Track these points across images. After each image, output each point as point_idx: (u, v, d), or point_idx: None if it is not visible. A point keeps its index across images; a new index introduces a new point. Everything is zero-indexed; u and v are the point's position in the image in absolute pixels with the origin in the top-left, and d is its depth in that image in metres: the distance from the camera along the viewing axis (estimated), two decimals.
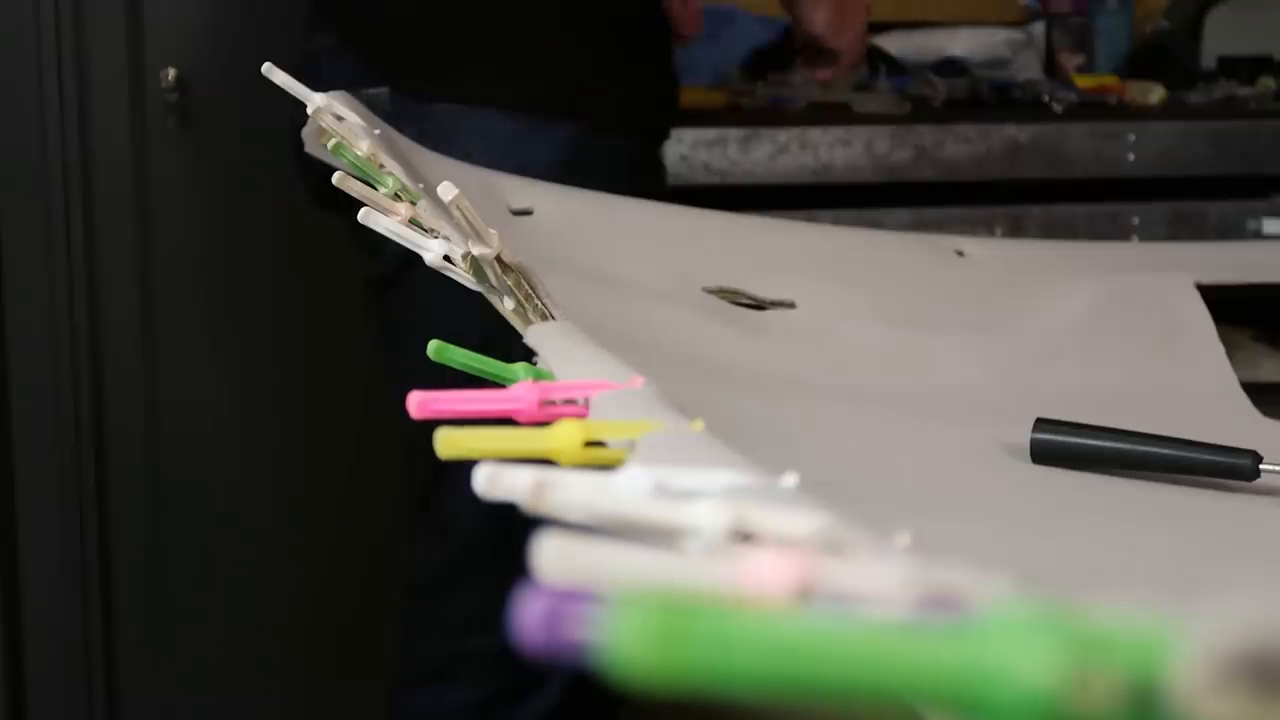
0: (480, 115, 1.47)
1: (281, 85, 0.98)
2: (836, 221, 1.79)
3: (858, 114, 2.02)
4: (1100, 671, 0.24)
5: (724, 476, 0.43)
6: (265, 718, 2.16)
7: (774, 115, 1.98)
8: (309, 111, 0.97)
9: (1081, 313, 1.09)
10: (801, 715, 0.38)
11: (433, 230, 0.83)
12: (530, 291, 0.82)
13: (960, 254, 1.19)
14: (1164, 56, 2.36)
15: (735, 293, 1.05)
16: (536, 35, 1.49)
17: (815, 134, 1.90)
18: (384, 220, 0.83)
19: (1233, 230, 2.02)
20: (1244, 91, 2.25)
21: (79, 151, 1.99)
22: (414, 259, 0.83)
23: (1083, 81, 2.24)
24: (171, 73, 2.01)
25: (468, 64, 1.48)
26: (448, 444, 0.51)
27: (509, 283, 0.81)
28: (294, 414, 2.11)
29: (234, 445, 2.09)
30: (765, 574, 0.30)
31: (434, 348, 0.70)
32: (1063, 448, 0.83)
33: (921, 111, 2.07)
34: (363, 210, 0.82)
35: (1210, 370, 1.04)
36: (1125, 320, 1.09)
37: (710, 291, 1.04)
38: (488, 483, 0.41)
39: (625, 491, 0.39)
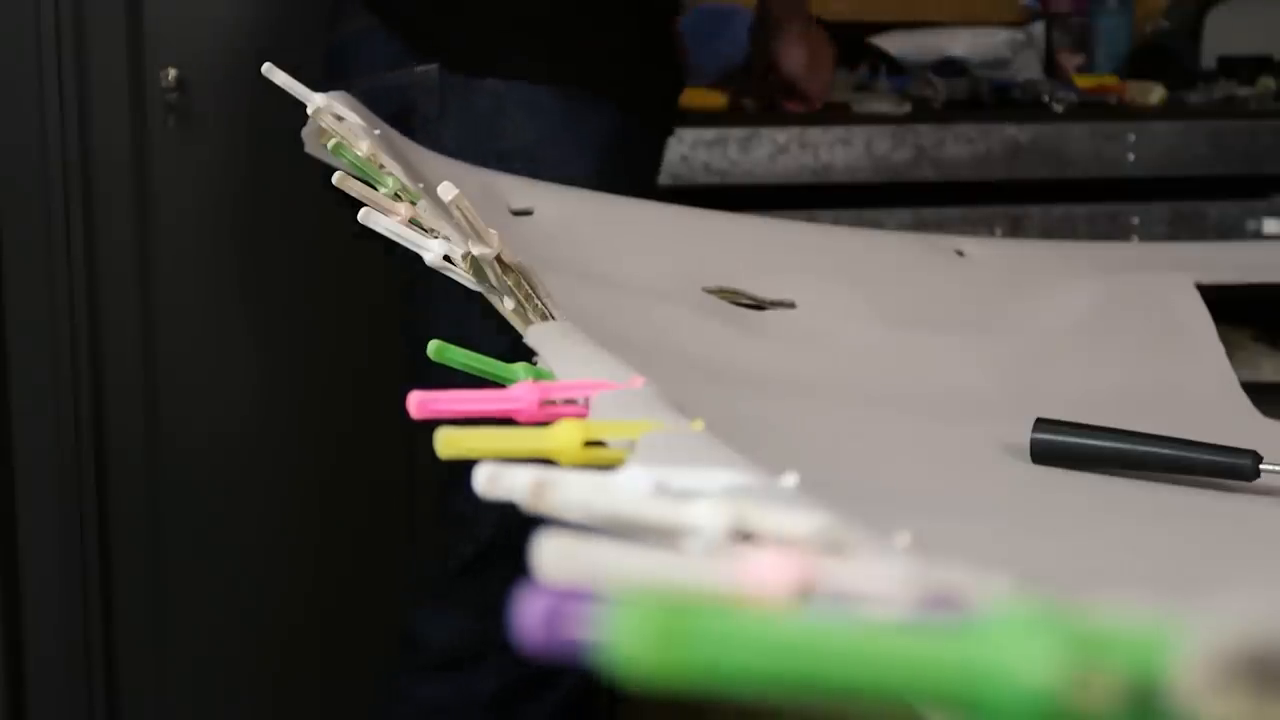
0: (529, 90, 1.48)
1: (281, 85, 0.98)
2: (836, 221, 1.79)
3: (858, 114, 2.03)
4: (1100, 671, 0.24)
5: (724, 476, 0.43)
6: (265, 718, 2.16)
7: (774, 115, 1.98)
8: (309, 111, 0.97)
9: (1081, 313, 1.09)
10: (802, 715, 0.38)
11: (433, 230, 0.83)
12: (530, 291, 0.82)
13: (960, 254, 1.19)
14: (1164, 56, 2.36)
15: (735, 293, 1.05)
16: (582, 14, 1.50)
17: (815, 134, 1.90)
18: (384, 220, 0.83)
19: (1233, 230, 2.02)
20: (1244, 91, 2.25)
21: (79, 151, 1.99)
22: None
23: (1083, 81, 2.24)
24: (171, 73, 2.01)
25: (516, 41, 1.50)
26: (448, 444, 0.51)
27: (509, 283, 0.81)
28: (294, 414, 2.11)
29: (234, 445, 2.09)
30: (765, 574, 0.30)
31: (434, 348, 0.70)
32: (1063, 448, 0.83)
33: (921, 111, 2.07)
34: (363, 210, 0.82)
35: (1210, 370, 1.04)
36: (1125, 320, 1.09)
37: (710, 291, 1.04)
38: (488, 482, 0.41)
39: (625, 491, 0.39)
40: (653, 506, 0.37)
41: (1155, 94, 2.19)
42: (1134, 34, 2.43)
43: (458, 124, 1.48)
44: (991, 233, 1.91)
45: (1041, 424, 0.84)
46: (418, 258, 0.82)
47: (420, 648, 1.63)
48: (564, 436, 0.54)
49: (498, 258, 0.81)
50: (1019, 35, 2.38)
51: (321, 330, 2.10)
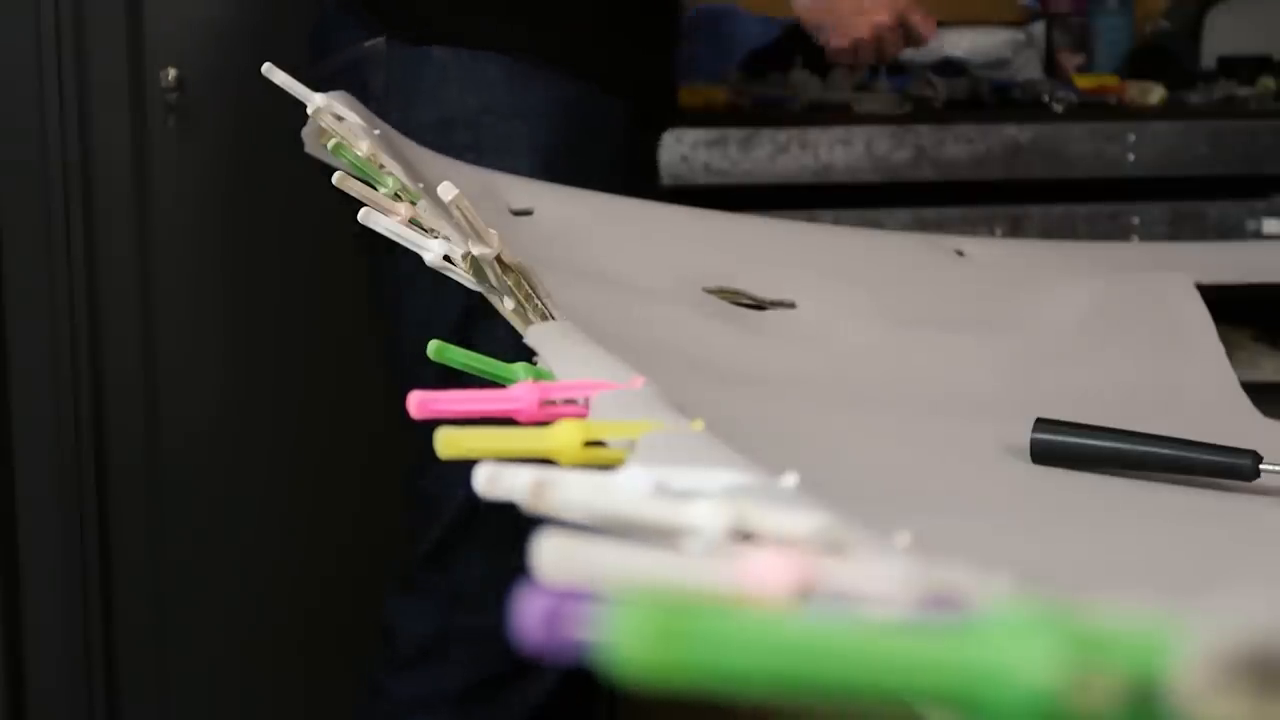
0: (476, 57, 1.46)
1: (281, 85, 0.98)
2: (836, 221, 1.79)
3: (858, 114, 2.02)
4: (1100, 671, 0.24)
5: (724, 476, 0.43)
6: (264, 717, 2.16)
7: (774, 115, 1.98)
8: (309, 111, 0.97)
9: (1082, 313, 1.09)
10: (803, 715, 0.38)
11: (433, 230, 0.83)
12: (530, 291, 0.82)
13: (960, 254, 1.19)
14: (1164, 56, 2.36)
15: (735, 293, 1.05)
16: None
17: (815, 134, 1.90)
18: (384, 220, 0.83)
19: (1233, 230, 2.02)
20: (1244, 91, 2.24)
21: (79, 151, 1.99)
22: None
23: (1083, 81, 2.24)
24: (171, 73, 2.01)
25: (460, 9, 1.47)
26: (448, 444, 0.51)
27: (509, 283, 0.81)
28: (294, 413, 2.11)
29: (234, 445, 2.09)
30: (765, 574, 0.30)
31: (434, 348, 0.70)
32: (1063, 448, 0.83)
33: (921, 111, 2.07)
34: (363, 210, 0.83)
35: (1210, 370, 1.04)
36: (1125, 320, 1.09)
37: (710, 291, 1.04)
38: (488, 483, 0.41)
39: (625, 491, 0.39)
40: (653, 506, 0.37)
41: (1155, 94, 2.19)
42: (1134, 34, 2.43)
43: (404, 96, 1.45)
44: (991, 233, 1.91)
45: (1041, 424, 0.84)
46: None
47: (393, 641, 1.61)
48: (564, 436, 0.54)
49: (498, 258, 0.81)
50: (1019, 35, 2.38)
51: (321, 330, 2.10)
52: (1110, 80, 2.25)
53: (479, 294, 0.82)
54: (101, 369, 2.02)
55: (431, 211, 0.83)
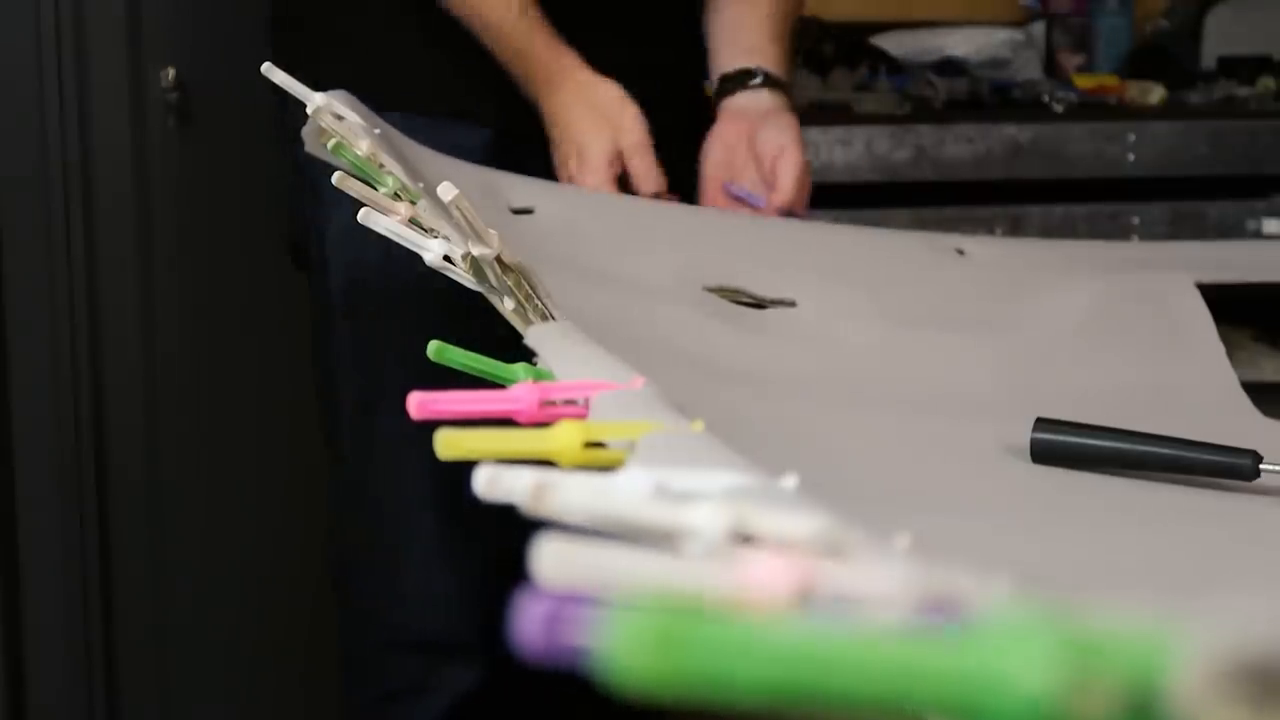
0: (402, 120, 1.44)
1: (281, 85, 0.98)
2: (836, 221, 1.79)
3: (858, 114, 2.03)
4: (1099, 677, 0.24)
5: (724, 478, 0.43)
6: (265, 717, 2.16)
7: None
8: (309, 111, 0.97)
9: (1082, 312, 1.09)
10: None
11: (433, 230, 0.83)
12: (530, 291, 0.82)
13: (960, 253, 1.19)
14: (1164, 56, 2.36)
15: (735, 292, 1.05)
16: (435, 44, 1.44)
17: (815, 134, 1.90)
18: (384, 220, 0.83)
19: (1233, 230, 2.02)
20: (1244, 91, 2.25)
21: (79, 151, 1.99)
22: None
23: (1083, 81, 2.24)
24: (171, 73, 2.01)
25: (388, 79, 1.45)
26: (448, 445, 0.51)
27: (509, 283, 0.81)
28: (294, 413, 2.11)
29: (234, 445, 2.09)
30: (765, 577, 0.30)
31: (434, 348, 0.70)
32: (1063, 448, 0.83)
33: (921, 111, 2.07)
34: (363, 210, 0.82)
35: (1210, 370, 1.04)
36: (1125, 320, 1.09)
37: (710, 290, 1.04)
38: (488, 484, 0.41)
39: (625, 493, 0.39)
40: (652, 509, 0.37)
41: (1155, 94, 2.19)
42: (1134, 34, 2.43)
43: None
44: (991, 233, 1.91)
45: (1041, 424, 0.84)
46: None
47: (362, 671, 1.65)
48: (564, 438, 0.54)
49: (498, 258, 0.81)
50: (1019, 35, 2.38)
51: None
52: (1110, 80, 2.26)
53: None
54: (101, 369, 2.02)
55: (431, 211, 0.83)
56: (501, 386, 0.64)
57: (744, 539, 0.35)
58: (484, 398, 0.61)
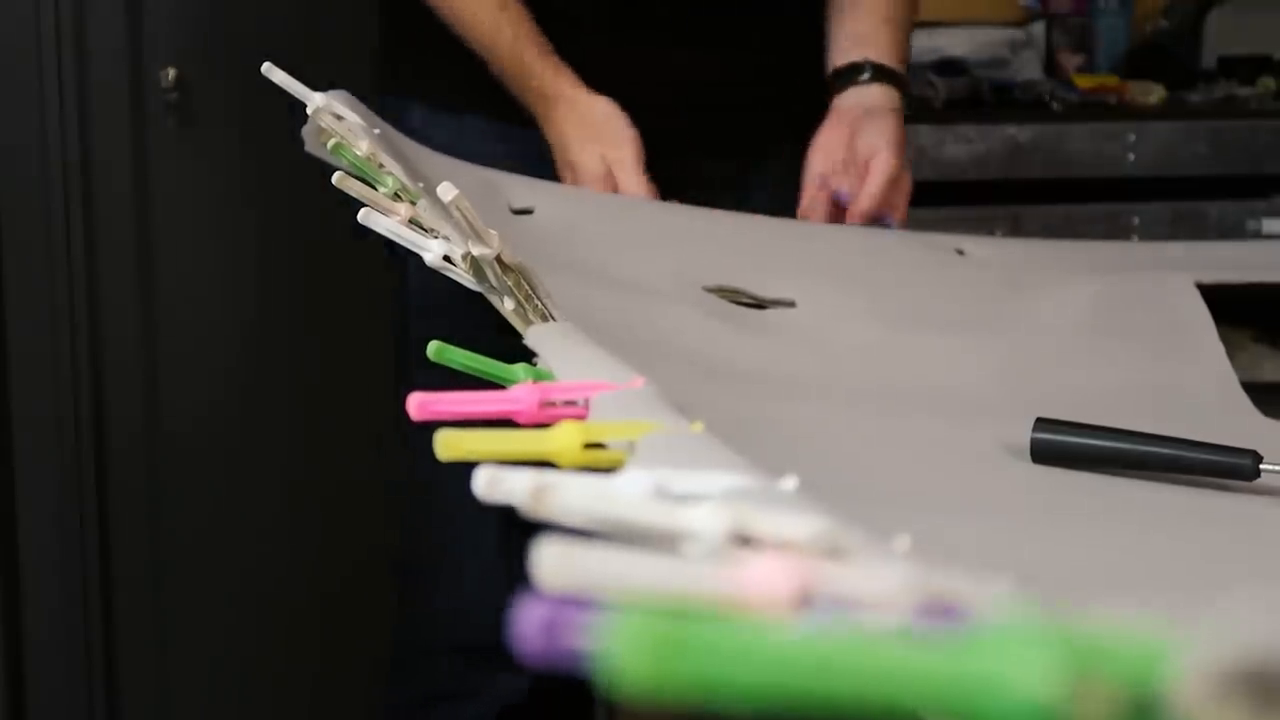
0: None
1: (281, 85, 0.98)
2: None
3: None
4: (1099, 682, 0.24)
5: (724, 479, 0.43)
6: (265, 717, 2.16)
7: None
8: (309, 111, 0.97)
9: (1082, 312, 1.09)
10: None
11: (433, 230, 0.83)
12: (530, 292, 0.82)
13: (960, 253, 1.19)
14: (1164, 56, 2.36)
15: (735, 292, 1.05)
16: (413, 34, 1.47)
17: None
18: (384, 220, 0.83)
19: (1233, 230, 2.02)
20: (1244, 91, 2.25)
21: (79, 151, 1.99)
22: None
23: (1083, 81, 2.24)
24: (171, 73, 2.01)
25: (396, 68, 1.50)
26: (447, 445, 0.51)
27: (509, 283, 0.81)
28: (294, 413, 2.11)
29: (234, 445, 2.09)
30: (765, 578, 0.30)
31: (434, 349, 0.70)
32: (1063, 448, 0.83)
33: (921, 111, 2.07)
34: (362, 210, 0.82)
35: (1210, 370, 1.04)
36: (1125, 320, 1.09)
37: (710, 291, 1.04)
38: (488, 485, 0.41)
39: (625, 494, 0.39)
40: (652, 510, 0.37)
41: (1155, 94, 2.19)
42: (1134, 34, 2.43)
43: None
44: (991, 233, 1.91)
45: (1041, 424, 0.84)
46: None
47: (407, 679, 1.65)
48: (564, 438, 0.54)
49: (498, 258, 0.81)
50: (1019, 35, 2.38)
51: (320, 329, 2.10)
52: (1110, 80, 2.26)
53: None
54: (101, 369, 2.02)
55: (431, 211, 0.83)
56: (502, 387, 0.64)
57: (744, 540, 0.35)
58: (484, 398, 0.61)
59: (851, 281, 1.10)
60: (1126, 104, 2.18)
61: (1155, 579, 0.64)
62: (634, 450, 0.53)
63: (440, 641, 1.55)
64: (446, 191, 0.78)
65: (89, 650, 2.06)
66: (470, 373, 0.69)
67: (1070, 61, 2.39)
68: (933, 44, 2.32)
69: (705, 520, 0.35)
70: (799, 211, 1.32)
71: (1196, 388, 1.03)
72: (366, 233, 0.83)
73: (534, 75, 1.35)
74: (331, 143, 0.92)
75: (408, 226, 0.83)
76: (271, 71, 0.98)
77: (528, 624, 0.27)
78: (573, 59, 1.36)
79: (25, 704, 2.07)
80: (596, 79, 1.35)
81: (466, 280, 0.82)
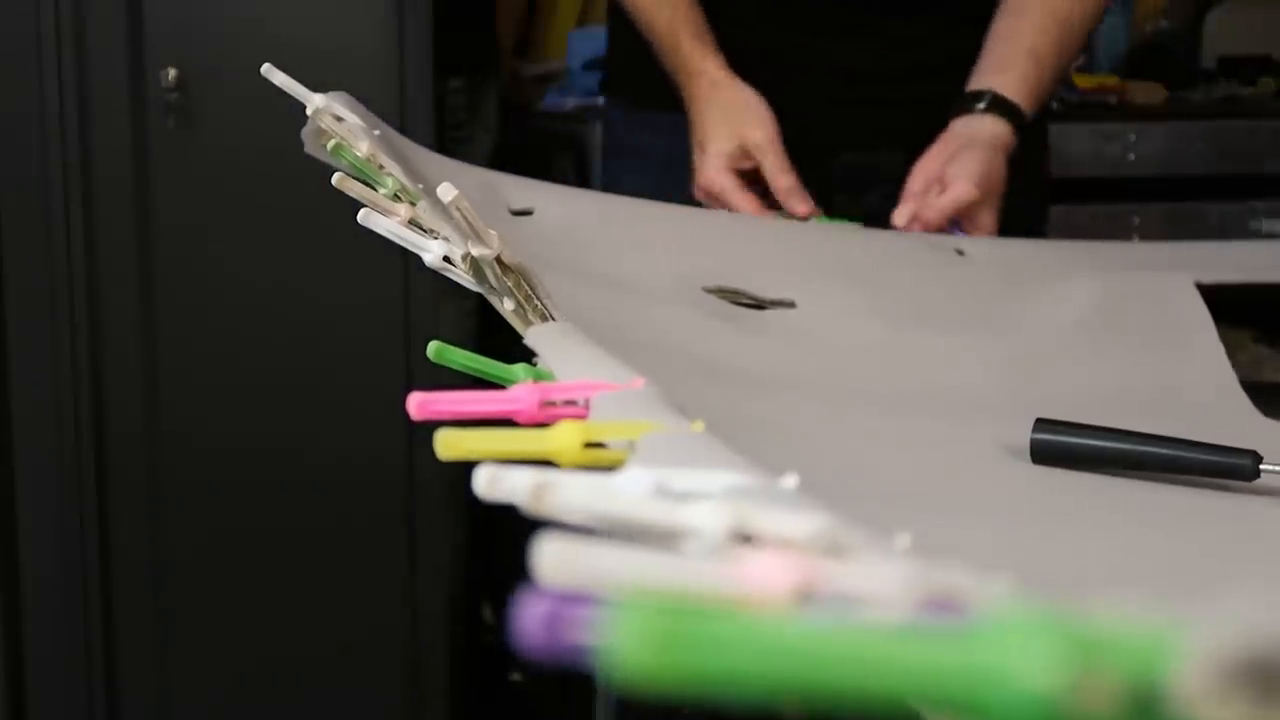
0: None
1: (281, 85, 0.98)
2: None
3: None
4: (1101, 675, 0.24)
5: (724, 477, 0.43)
6: (265, 718, 2.16)
7: None
8: (308, 112, 0.97)
9: (1082, 312, 1.09)
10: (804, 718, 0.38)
11: (433, 231, 0.83)
12: (530, 292, 0.82)
13: (960, 253, 1.19)
14: (1164, 56, 2.36)
15: (735, 293, 1.05)
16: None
17: None
18: (384, 221, 0.83)
19: (1233, 230, 2.02)
20: (1244, 91, 2.25)
21: (79, 151, 1.99)
22: None
23: (1083, 81, 2.24)
24: (171, 73, 2.01)
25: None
26: (448, 445, 0.51)
27: (509, 283, 0.81)
28: (294, 413, 2.11)
29: (234, 445, 2.09)
30: (766, 576, 0.30)
31: (434, 349, 0.70)
32: (1063, 448, 0.83)
33: None
34: (362, 211, 0.82)
35: (1210, 370, 1.04)
36: (1125, 320, 1.09)
37: (710, 291, 1.04)
38: (488, 484, 0.41)
39: (625, 493, 0.39)
40: (653, 508, 0.37)
41: (1155, 94, 2.19)
42: (1134, 34, 2.43)
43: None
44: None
45: (1041, 424, 0.84)
46: None
47: None
48: (564, 438, 0.54)
49: (498, 258, 0.81)
50: None
51: (321, 329, 2.10)
52: (1110, 80, 2.26)
53: None
54: (101, 369, 2.03)
55: (431, 212, 0.83)
56: (502, 386, 0.64)
57: (744, 538, 0.35)
58: (484, 398, 0.61)
59: (851, 282, 1.10)
60: (1126, 104, 2.18)
61: (1155, 578, 0.64)
62: (634, 449, 0.53)
63: None
64: (446, 192, 0.78)
65: (89, 650, 2.06)
66: (470, 372, 0.69)
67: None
68: None
69: (706, 518, 0.35)
70: (891, 221, 1.33)
71: (1196, 388, 1.03)
72: (367, 233, 0.83)
73: (683, 53, 1.41)
74: (331, 144, 0.92)
75: (407, 227, 0.83)
76: (271, 73, 0.98)
77: (530, 619, 0.27)
78: (730, 46, 1.42)
79: (25, 704, 2.07)
80: (753, 68, 1.41)
81: (466, 281, 0.82)
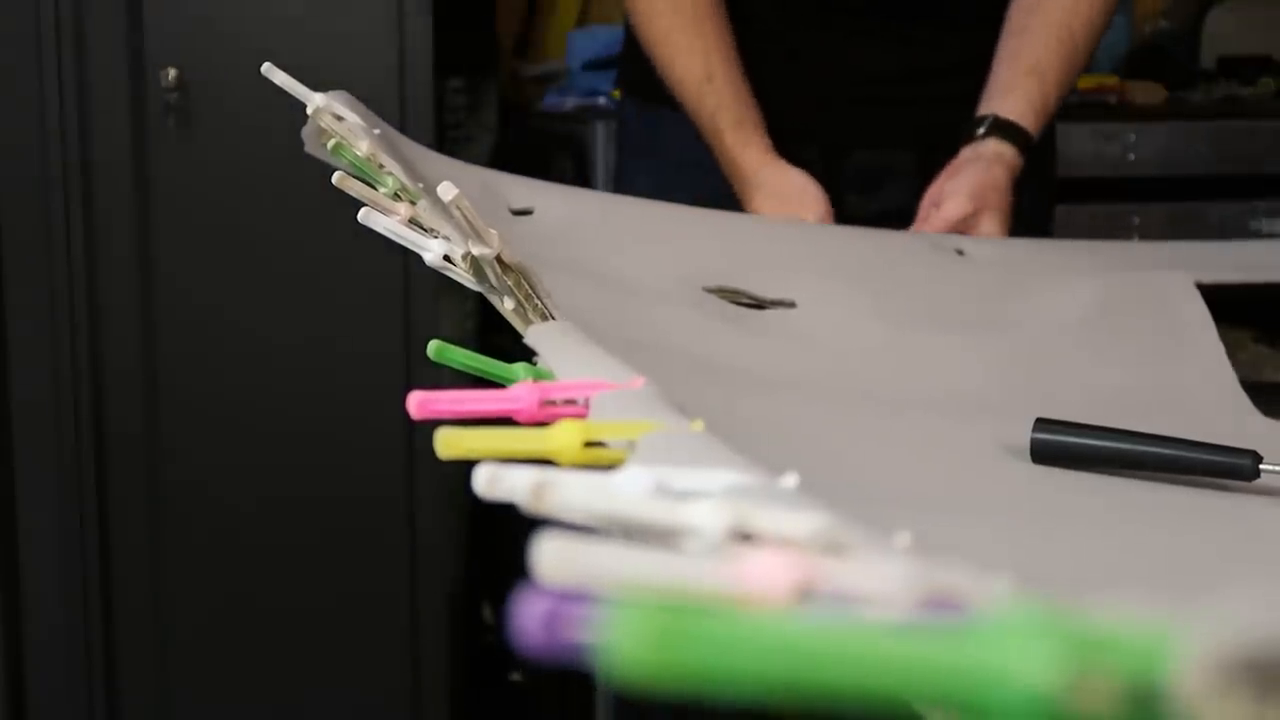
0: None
1: (281, 85, 0.98)
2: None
3: None
4: (1100, 673, 0.24)
5: (724, 477, 0.43)
6: (264, 717, 2.16)
7: None
8: (309, 111, 0.97)
9: (1082, 312, 1.09)
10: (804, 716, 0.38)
11: (433, 230, 0.83)
12: (530, 291, 0.82)
13: (961, 253, 1.19)
14: (1164, 56, 2.36)
15: (735, 293, 1.05)
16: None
17: None
18: (384, 220, 0.83)
19: (1233, 230, 2.02)
20: (1244, 91, 2.25)
21: (79, 151, 1.99)
22: None
23: (1083, 81, 2.24)
24: (171, 73, 2.01)
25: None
26: (448, 444, 0.51)
27: (509, 283, 0.81)
28: (294, 413, 2.11)
29: (234, 445, 2.09)
30: (765, 575, 0.30)
31: (434, 348, 0.70)
32: (1063, 448, 0.83)
33: None
34: (362, 210, 0.82)
35: (1210, 370, 1.04)
36: (1125, 320, 1.09)
37: (710, 291, 1.04)
38: (488, 483, 0.41)
39: (625, 492, 0.39)
40: (653, 507, 0.37)
41: (1155, 94, 2.19)
42: (1133, 34, 2.43)
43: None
44: None
45: (1041, 424, 0.84)
46: None
47: None
48: (564, 437, 0.54)
49: (498, 258, 0.81)
50: None
51: (321, 329, 2.10)
52: (1110, 80, 2.26)
53: None
54: (101, 369, 2.02)
55: (431, 211, 0.83)
56: (501, 386, 0.64)
57: (744, 537, 0.35)
58: (484, 397, 0.61)
59: (852, 282, 1.10)
60: (1126, 104, 2.18)
61: (1155, 578, 0.64)
62: (634, 449, 0.53)
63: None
64: (446, 191, 0.78)
65: (89, 650, 2.06)
66: (470, 372, 0.69)
67: None
68: None
69: (706, 516, 0.35)
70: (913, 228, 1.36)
71: (1196, 388, 1.03)
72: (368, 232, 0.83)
73: (727, 152, 1.42)
74: (331, 143, 0.92)
75: (408, 226, 0.83)
76: (271, 72, 0.98)
77: (529, 618, 0.27)
78: (746, 44, 1.44)
79: (25, 704, 2.07)
80: (769, 66, 1.44)
81: (466, 280, 0.82)
